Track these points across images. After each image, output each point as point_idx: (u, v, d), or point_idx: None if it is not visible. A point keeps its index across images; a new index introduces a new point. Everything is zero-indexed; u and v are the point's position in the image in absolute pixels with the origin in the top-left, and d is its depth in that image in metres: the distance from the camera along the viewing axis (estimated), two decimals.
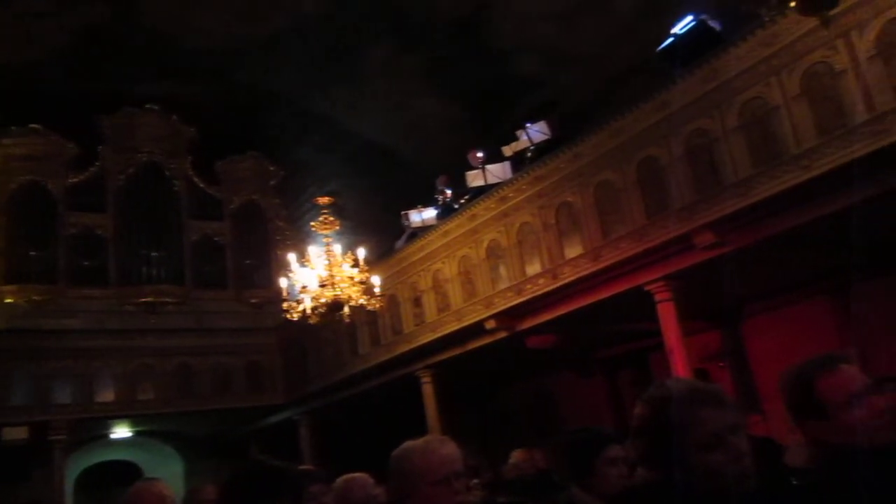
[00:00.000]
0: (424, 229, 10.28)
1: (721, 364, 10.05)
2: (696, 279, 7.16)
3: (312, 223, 8.86)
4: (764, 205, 6.12)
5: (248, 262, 15.16)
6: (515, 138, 9.42)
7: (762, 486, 1.81)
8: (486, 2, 11.19)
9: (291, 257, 8.49)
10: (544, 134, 9.10)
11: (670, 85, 6.89)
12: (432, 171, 11.17)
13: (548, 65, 11.69)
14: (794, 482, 2.10)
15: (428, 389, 10.61)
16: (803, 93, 5.86)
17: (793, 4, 4.40)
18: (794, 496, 1.99)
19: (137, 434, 14.58)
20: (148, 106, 14.39)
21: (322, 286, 8.21)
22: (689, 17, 7.35)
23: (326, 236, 8.63)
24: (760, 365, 9.66)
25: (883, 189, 5.48)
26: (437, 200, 10.69)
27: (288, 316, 8.46)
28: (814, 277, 8.67)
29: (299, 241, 13.40)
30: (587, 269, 7.66)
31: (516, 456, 7.42)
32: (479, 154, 9.93)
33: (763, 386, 9.37)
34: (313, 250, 8.50)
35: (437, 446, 2.31)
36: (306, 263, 8.39)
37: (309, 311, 8.19)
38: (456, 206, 10.04)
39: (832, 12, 4.59)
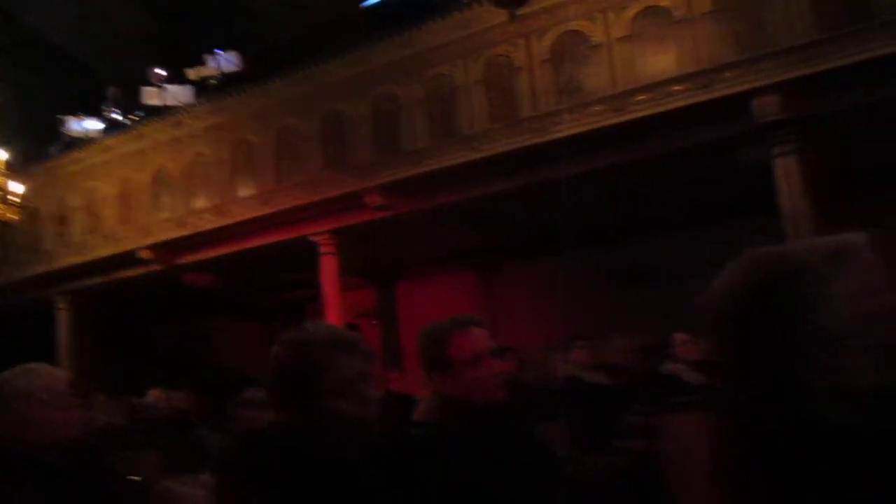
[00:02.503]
0: (85, 141, 9.26)
1: (373, 321, 10.52)
2: (362, 237, 7.38)
3: None
4: (432, 176, 6.49)
5: None
6: (203, 63, 8.86)
7: (384, 434, 1.88)
8: None
9: None
10: (235, 65, 8.68)
11: (369, 44, 6.97)
12: (106, 79, 10.08)
13: None
14: (414, 432, 2.23)
15: (64, 317, 9.63)
16: (484, 79, 6.30)
17: None
18: (412, 444, 2.11)
19: None
20: None
21: None
22: None
23: None
24: (408, 326, 10.27)
25: (534, 180, 6.10)
26: (104, 112, 9.66)
27: None
28: (466, 251, 9.42)
29: None
30: (257, 211, 7.50)
31: (153, 395, 7.11)
32: (161, 72, 9.17)
33: (408, 345, 9.99)
34: None
35: (44, 373, 2.10)
36: None
37: None
38: (126, 122, 9.17)
39: (520, 11, 4.97)
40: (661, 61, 5.63)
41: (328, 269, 7.39)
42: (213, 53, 8.80)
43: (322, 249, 7.37)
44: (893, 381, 1.44)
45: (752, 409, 1.17)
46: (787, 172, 5.44)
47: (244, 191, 7.66)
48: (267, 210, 7.45)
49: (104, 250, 8.74)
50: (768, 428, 1.16)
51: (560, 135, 5.83)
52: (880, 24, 4.94)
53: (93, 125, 9.47)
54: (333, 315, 7.35)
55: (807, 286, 1.16)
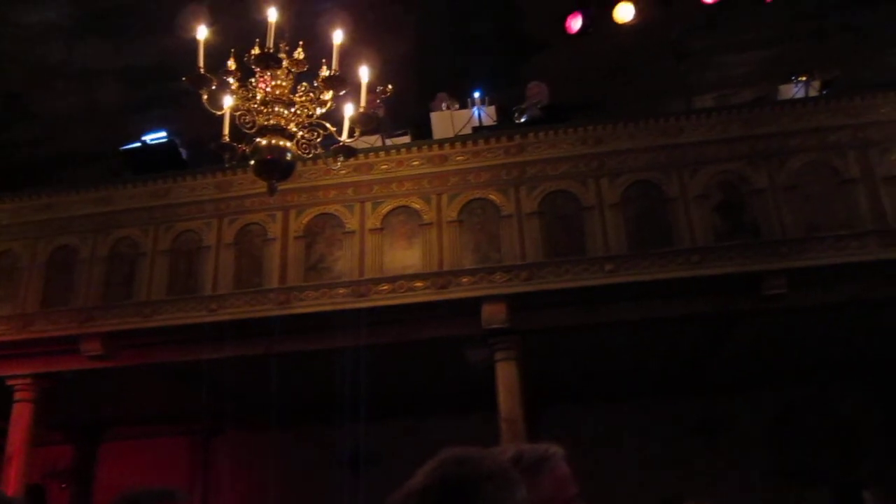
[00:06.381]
0: None
1: (63, 484, 9.33)
2: (69, 387, 6.68)
3: None
4: (162, 332, 6.15)
5: None
6: None
7: None
8: None
9: None
10: None
11: (119, 185, 6.72)
12: None
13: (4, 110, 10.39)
14: None
15: None
16: (235, 244, 6.26)
17: (252, 163, 4.75)
18: None
19: None
20: None
21: None
22: (164, 133, 7.42)
23: None
24: (107, 491, 9.20)
25: (269, 352, 6.01)
26: None
27: None
28: (184, 415, 8.83)
29: None
30: None
31: None
32: None
33: None
34: None
35: None
36: None
37: None
38: None
39: (280, 185, 5.09)
40: (406, 257, 5.98)
41: (21, 417, 6.50)
42: None
43: (18, 395, 6.51)
44: None
45: None
46: (506, 377, 5.84)
47: None
48: None
49: None
50: None
51: (302, 311, 5.88)
52: (590, 259, 5.69)
53: None
54: (16, 471, 6.40)
55: (494, 492, 1.23)
